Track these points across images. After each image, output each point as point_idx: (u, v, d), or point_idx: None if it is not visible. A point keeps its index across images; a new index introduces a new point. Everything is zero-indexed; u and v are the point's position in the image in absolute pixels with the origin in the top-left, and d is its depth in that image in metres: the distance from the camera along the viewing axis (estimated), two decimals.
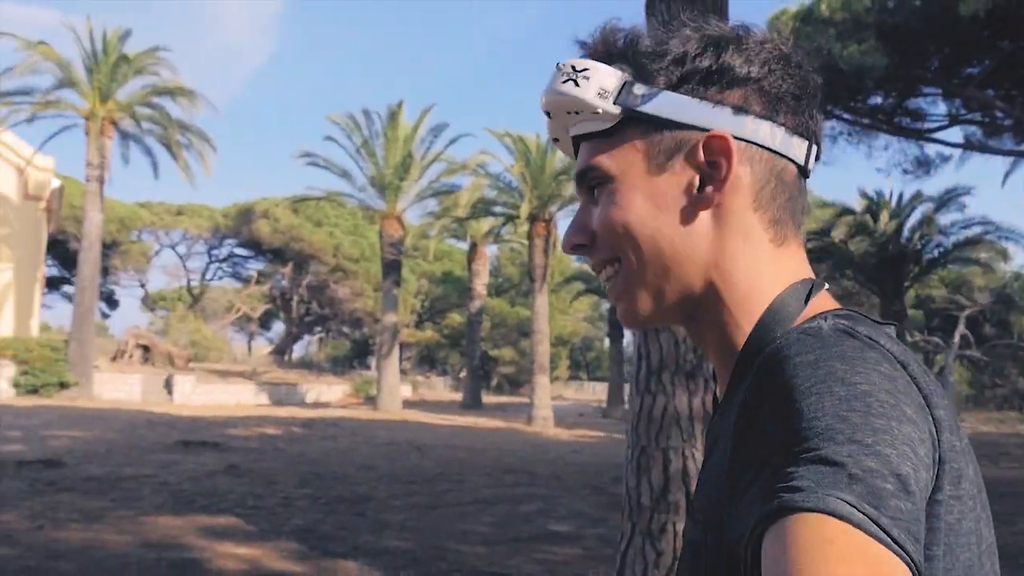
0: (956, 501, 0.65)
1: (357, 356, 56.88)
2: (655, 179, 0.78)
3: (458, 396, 42.89)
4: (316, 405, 30.86)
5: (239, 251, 52.01)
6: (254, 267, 52.20)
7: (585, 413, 35.41)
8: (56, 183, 32.66)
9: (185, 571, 5.91)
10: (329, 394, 34.92)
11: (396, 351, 30.23)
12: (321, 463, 12.63)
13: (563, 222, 26.92)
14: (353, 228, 47.99)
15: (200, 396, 29.50)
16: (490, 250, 39.20)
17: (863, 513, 0.54)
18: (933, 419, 0.65)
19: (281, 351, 50.50)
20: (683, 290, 0.80)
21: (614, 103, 0.78)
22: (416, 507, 9.29)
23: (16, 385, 26.90)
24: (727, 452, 0.67)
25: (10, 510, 7.98)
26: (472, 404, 34.53)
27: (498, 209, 29.23)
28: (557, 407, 27.72)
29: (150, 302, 53.27)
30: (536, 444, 19.00)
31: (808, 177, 0.82)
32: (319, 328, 55.62)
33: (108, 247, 42.30)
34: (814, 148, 0.81)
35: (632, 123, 0.79)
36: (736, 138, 0.76)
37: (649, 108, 0.78)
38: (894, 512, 0.55)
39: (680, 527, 4.59)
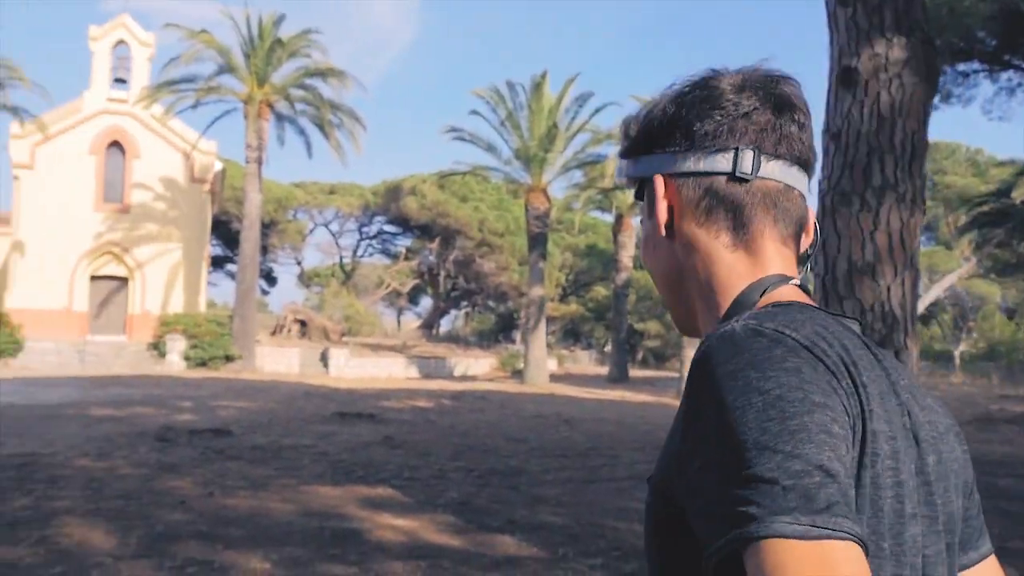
0: (876, 458, 0.77)
1: (502, 330, 57.41)
2: (648, 224, 1.01)
3: (603, 370, 42.60)
4: (464, 378, 31.34)
5: (388, 228, 53.34)
6: (402, 243, 53.41)
7: None
8: (219, 166, 34.27)
9: (347, 541, 5.94)
10: (476, 367, 35.40)
11: (543, 324, 30.24)
12: (471, 435, 12.67)
13: None
14: (498, 202, 48.29)
15: (353, 369, 30.45)
16: (635, 222, 38.50)
17: (802, 525, 0.65)
18: (854, 385, 0.77)
19: (429, 325, 51.60)
20: (686, 305, 0.99)
21: (618, 177, 1.05)
22: (570, 481, 9.12)
23: (186, 358, 28.53)
24: (676, 435, 0.80)
25: (184, 476, 8.31)
26: (619, 378, 34.19)
27: None
28: None
29: (306, 279, 55.41)
30: None
31: (747, 181, 0.93)
32: (465, 302, 56.45)
33: (266, 226, 44.18)
34: (748, 153, 0.92)
35: (640, 189, 1.04)
36: (668, 175, 0.96)
37: (628, 173, 1.02)
38: (826, 501, 0.66)
39: None
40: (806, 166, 0.96)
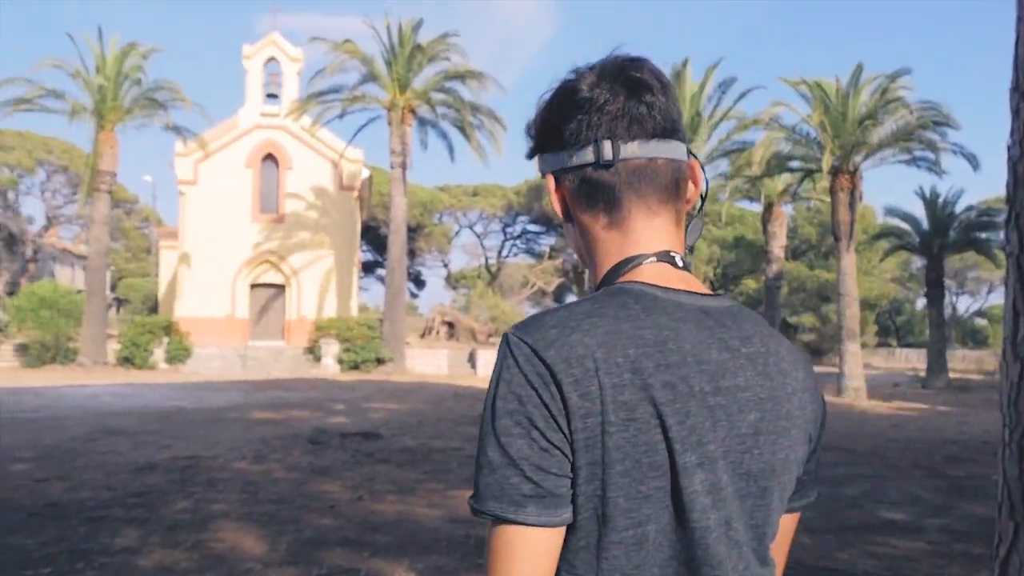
0: (599, 421, 0.91)
1: None
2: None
3: None
4: None
5: (532, 227, 53.55)
6: (546, 242, 53.49)
7: (900, 383, 32.58)
8: (366, 173, 35.22)
9: None
10: None
11: None
12: None
13: (868, 173, 24.62)
14: None
15: None
16: (787, 209, 37.08)
17: (473, 509, 0.96)
18: (561, 381, 0.92)
19: None
20: (594, 279, 1.10)
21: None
22: None
23: (340, 361, 29.40)
24: None
25: (335, 480, 8.39)
26: None
27: (795, 164, 27.38)
28: (868, 377, 25.59)
29: (452, 281, 56.32)
30: (849, 417, 17.59)
31: (612, 165, 1.04)
32: None
33: (413, 230, 45.17)
34: (606, 143, 1.04)
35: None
36: (555, 172, 1.10)
37: (539, 170, 1.14)
38: (484, 491, 0.93)
39: None
40: (666, 134, 1.06)
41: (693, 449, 0.94)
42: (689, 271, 1.07)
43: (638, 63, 1.08)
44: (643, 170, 1.05)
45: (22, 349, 28.75)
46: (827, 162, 23.31)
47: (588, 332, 0.94)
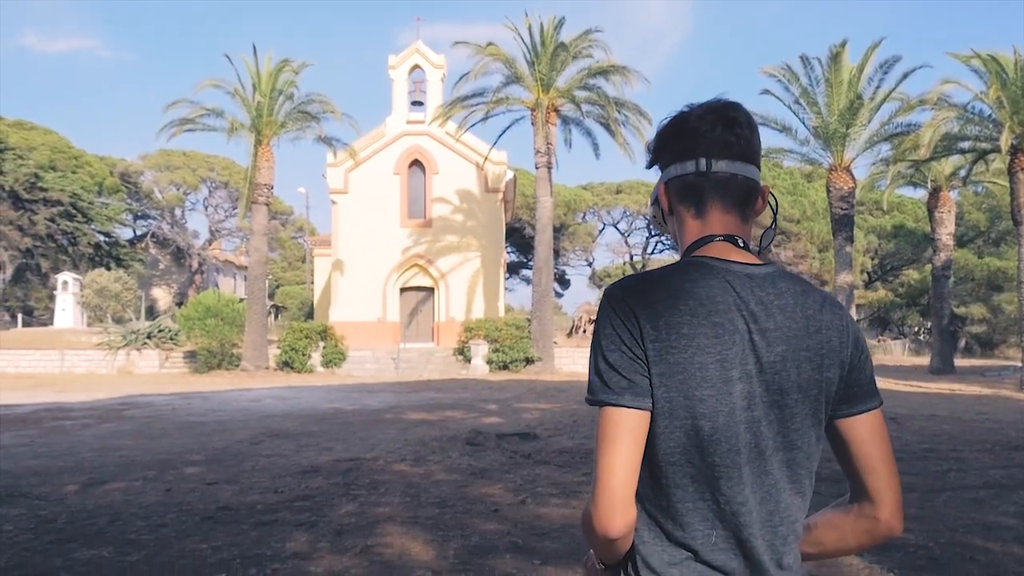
0: (665, 344, 1.35)
1: None
2: (655, 208, 1.60)
3: (921, 360, 38.96)
4: None
5: None
6: None
7: None
8: (510, 175, 35.33)
9: None
10: None
11: (853, 314, 28.03)
12: None
13: None
14: (792, 188, 45.85)
15: None
16: (954, 195, 34.75)
17: (588, 401, 1.39)
18: (639, 317, 1.36)
19: None
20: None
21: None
22: (912, 490, 7.99)
23: (489, 362, 29.52)
24: None
25: (495, 482, 8.23)
26: (943, 368, 30.94)
27: (965, 145, 25.58)
28: None
29: (597, 279, 55.89)
30: None
31: (705, 175, 1.48)
32: None
33: (557, 230, 45.04)
34: (703, 161, 1.47)
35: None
36: (666, 180, 1.54)
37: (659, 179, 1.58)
38: (595, 387, 1.37)
39: None
40: (746, 159, 1.48)
41: (736, 367, 1.36)
42: (748, 250, 1.48)
43: (734, 105, 1.51)
44: (726, 181, 1.48)
45: (191, 356, 30.33)
46: (1006, 140, 21.59)
47: (660, 286, 1.40)
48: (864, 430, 1.46)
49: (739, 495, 1.36)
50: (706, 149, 1.46)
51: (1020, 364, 23.14)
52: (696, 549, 1.38)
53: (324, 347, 30.08)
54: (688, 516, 1.38)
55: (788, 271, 1.50)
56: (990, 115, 23.18)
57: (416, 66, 34.96)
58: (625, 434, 1.33)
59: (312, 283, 46.53)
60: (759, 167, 1.51)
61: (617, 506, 1.32)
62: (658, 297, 1.37)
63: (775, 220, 1.56)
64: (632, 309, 1.36)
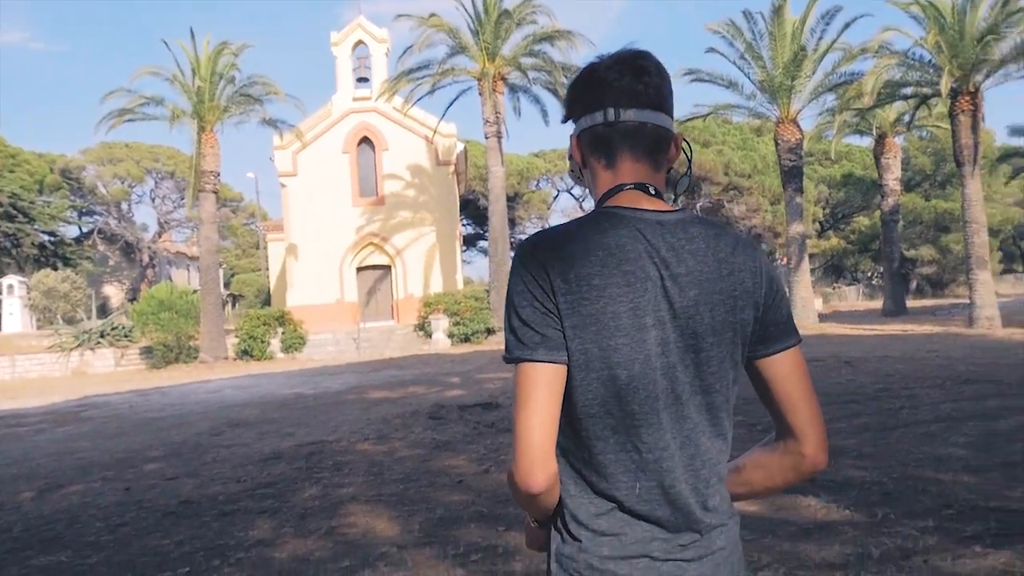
0: (577, 296, 1.34)
1: None
2: (573, 161, 1.60)
3: (875, 304, 39.74)
4: None
5: None
6: None
7: None
8: (460, 147, 35.10)
9: None
10: None
11: (805, 263, 28.42)
12: (751, 395, 11.83)
13: (990, 93, 23.04)
14: (741, 143, 46.18)
15: None
16: (899, 140, 35.25)
17: (505, 359, 1.38)
18: (550, 271, 1.35)
19: None
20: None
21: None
22: (867, 429, 8.17)
23: (450, 335, 29.51)
24: None
25: (459, 454, 8.25)
26: (895, 310, 31.59)
27: (908, 91, 25.88)
28: (999, 305, 24.10)
29: None
30: (986, 348, 16.54)
31: (614, 125, 1.46)
32: None
33: (511, 199, 44.95)
34: (611, 111, 1.45)
35: None
36: (577, 133, 1.53)
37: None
38: (511, 344, 1.37)
39: None
40: (655, 107, 1.47)
41: (649, 314, 1.36)
42: (660, 197, 1.48)
43: (642, 54, 1.50)
44: (635, 130, 1.46)
45: (147, 352, 29.87)
46: (946, 84, 21.88)
47: (569, 239, 1.39)
48: (783, 368, 1.47)
49: (660, 441, 1.37)
50: (614, 99, 1.45)
51: (968, 302, 23.61)
52: (621, 500, 1.38)
53: (283, 333, 29.80)
54: (611, 467, 1.38)
55: (701, 216, 1.50)
56: (930, 60, 23.46)
57: (360, 42, 34.41)
58: (541, 388, 1.32)
59: (267, 270, 45.99)
60: (671, 115, 1.50)
61: (536, 461, 1.33)
62: (568, 250, 1.36)
63: (689, 167, 1.58)
64: (542, 264, 1.36)
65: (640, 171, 1.47)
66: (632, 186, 1.45)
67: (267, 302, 43.35)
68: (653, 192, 1.46)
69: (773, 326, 1.46)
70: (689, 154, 1.57)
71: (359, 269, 34.22)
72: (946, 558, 4.29)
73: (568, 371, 1.35)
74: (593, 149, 1.49)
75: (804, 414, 1.46)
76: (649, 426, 1.36)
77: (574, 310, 1.33)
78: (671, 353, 1.37)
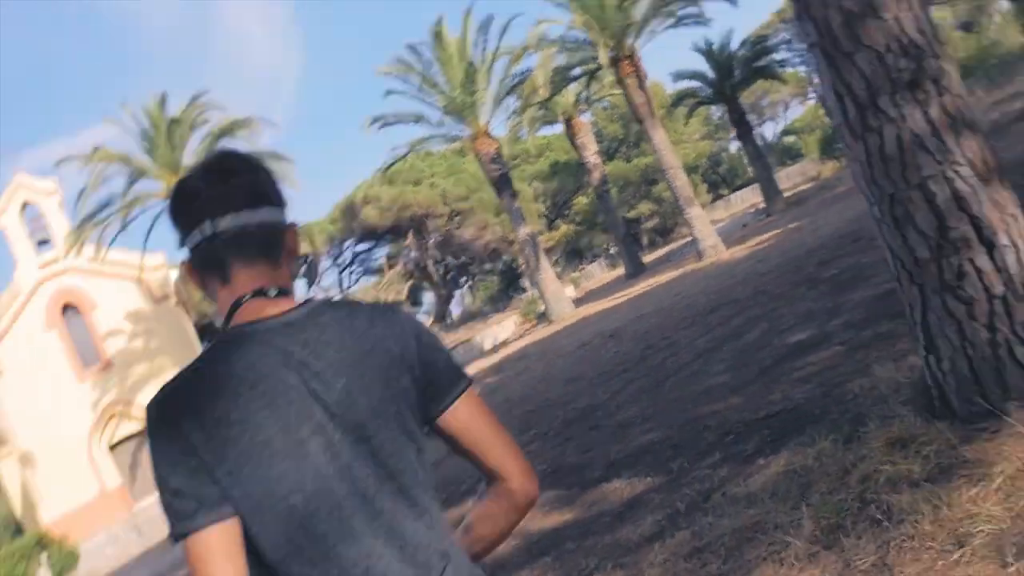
0: (220, 442, 1.20)
1: (509, 285, 56.72)
2: None
3: (618, 272, 41.98)
4: (495, 349, 30.30)
5: (359, 247, 52.43)
6: (379, 254, 52.64)
7: (747, 222, 33.78)
8: (174, 274, 33.08)
9: None
10: (503, 332, 34.45)
11: (544, 260, 29.46)
12: (529, 399, 11.97)
13: (646, 50, 25.10)
14: (450, 170, 47.25)
15: None
16: (586, 118, 37.65)
17: (172, 541, 1.22)
18: (183, 426, 1.21)
19: (441, 317, 50.94)
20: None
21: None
22: (643, 391, 8.46)
23: None
24: None
25: None
26: (636, 271, 33.59)
27: (577, 72, 27.66)
28: (718, 231, 26.25)
29: None
30: (719, 274, 17.85)
31: (215, 238, 1.33)
32: (464, 278, 55.77)
33: None
34: (207, 224, 1.32)
35: None
36: (188, 260, 1.38)
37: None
38: (172, 522, 1.20)
39: (979, 262, 3.49)
40: (253, 205, 1.35)
41: (303, 425, 1.24)
42: (288, 294, 1.37)
43: (226, 154, 1.43)
44: (237, 236, 1.33)
45: None
46: (603, 56, 23.71)
47: (194, 382, 1.25)
48: (463, 415, 1.40)
49: (362, 550, 1.25)
50: (209, 210, 1.33)
51: (691, 237, 25.44)
52: None
53: (50, 558, 25.29)
54: None
55: (331, 300, 1.40)
56: (585, 39, 25.26)
57: (27, 202, 30.96)
58: (216, 555, 1.18)
59: (7, 494, 40.53)
60: (278, 204, 1.40)
61: None
62: (196, 395, 1.24)
63: (296, 251, 1.46)
64: (173, 421, 1.22)
65: (257, 276, 1.35)
66: (251, 295, 1.33)
67: (18, 531, 37.90)
68: (275, 293, 1.35)
69: (436, 381, 1.39)
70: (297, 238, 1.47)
71: (112, 447, 30.32)
72: (739, 483, 4.40)
73: (244, 522, 1.21)
74: (205, 269, 1.37)
75: (498, 451, 1.41)
76: (344, 541, 1.24)
77: (223, 457, 1.20)
78: (342, 454, 1.26)
